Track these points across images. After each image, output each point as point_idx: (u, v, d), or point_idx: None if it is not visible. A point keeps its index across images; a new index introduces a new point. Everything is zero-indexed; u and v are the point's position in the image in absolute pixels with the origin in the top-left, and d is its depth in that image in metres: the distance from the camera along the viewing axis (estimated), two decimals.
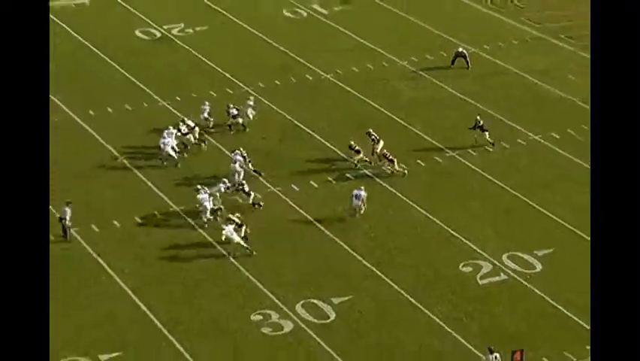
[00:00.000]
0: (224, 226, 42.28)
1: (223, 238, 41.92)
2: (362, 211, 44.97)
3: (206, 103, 51.98)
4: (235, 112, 51.60)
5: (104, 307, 39.90)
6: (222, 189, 45.09)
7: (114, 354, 37.42)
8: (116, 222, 44.17)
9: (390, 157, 47.42)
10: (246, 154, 47.20)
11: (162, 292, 40.61)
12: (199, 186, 44.86)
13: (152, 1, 68.56)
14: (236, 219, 42.93)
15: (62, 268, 41.14)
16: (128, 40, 63.04)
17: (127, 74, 58.17)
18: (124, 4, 67.80)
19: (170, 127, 49.54)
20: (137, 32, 64.11)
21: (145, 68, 58.90)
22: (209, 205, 44.35)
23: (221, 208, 44.80)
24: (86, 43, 62.32)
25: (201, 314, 39.50)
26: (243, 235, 42.55)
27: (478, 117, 50.32)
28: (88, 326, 38.91)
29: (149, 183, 47.63)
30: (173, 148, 48.61)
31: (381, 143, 48.85)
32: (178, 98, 55.41)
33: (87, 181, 47.01)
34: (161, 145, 48.73)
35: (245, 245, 42.33)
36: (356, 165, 48.29)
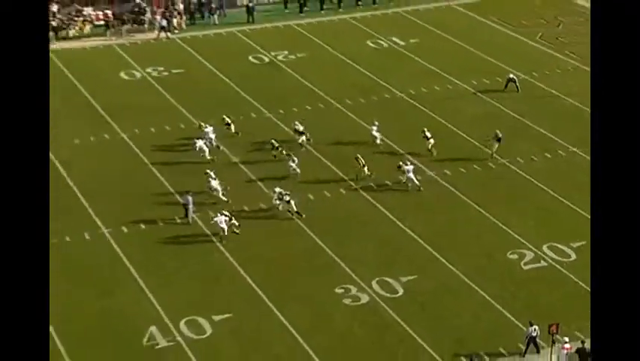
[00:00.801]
0: (219, 215, 42.84)
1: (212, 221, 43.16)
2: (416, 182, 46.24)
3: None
4: (301, 128, 51.21)
5: (213, 276, 40.43)
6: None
7: (225, 315, 37.83)
8: (225, 212, 43.99)
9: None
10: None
11: (267, 268, 40.90)
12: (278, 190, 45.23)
13: (264, 33, 68.55)
14: (229, 214, 43.16)
15: (183, 243, 42.46)
16: (243, 65, 63.07)
17: (241, 92, 58.28)
18: (241, 36, 67.99)
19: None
20: (250, 58, 64.19)
21: (255, 86, 58.79)
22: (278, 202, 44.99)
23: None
24: (208, 65, 62.78)
25: (298, 287, 39.79)
26: (229, 226, 42.82)
27: (498, 131, 49.81)
28: (201, 291, 39.39)
29: (253, 177, 48.14)
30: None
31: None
32: (281, 112, 55.48)
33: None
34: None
35: (226, 233, 42.70)
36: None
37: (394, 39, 67.23)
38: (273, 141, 50.35)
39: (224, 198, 45.82)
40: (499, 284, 39.66)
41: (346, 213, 45.39)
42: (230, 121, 52.45)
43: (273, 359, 35.82)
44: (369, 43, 66.85)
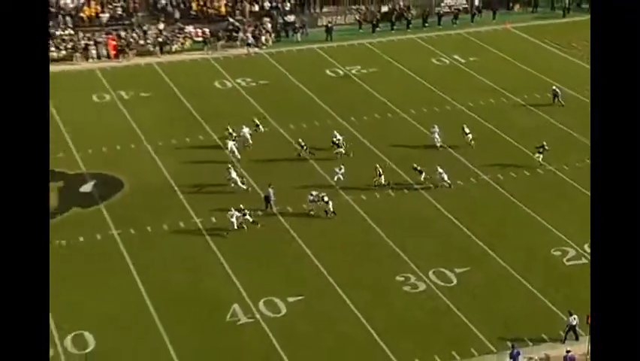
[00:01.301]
0: (232, 210, 42.88)
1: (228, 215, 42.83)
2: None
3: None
4: (339, 137, 50.77)
5: (289, 262, 40.53)
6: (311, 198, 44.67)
7: (299, 297, 37.85)
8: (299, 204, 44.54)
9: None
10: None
11: (336, 257, 40.94)
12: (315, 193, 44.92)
13: (340, 50, 68.70)
14: (245, 211, 42.96)
15: (264, 233, 42.49)
16: (321, 77, 63.09)
17: (318, 101, 58.27)
18: (320, 52, 68.09)
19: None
20: (327, 71, 64.20)
21: (331, 96, 58.75)
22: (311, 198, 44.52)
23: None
24: (290, 77, 62.94)
25: (363, 274, 39.75)
26: (240, 222, 42.73)
27: (545, 143, 49.12)
28: (278, 275, 39.51)
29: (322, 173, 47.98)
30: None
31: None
32: (352, 119, 55.33)
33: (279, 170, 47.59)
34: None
35: (235, 227, 42.63)
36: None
37: (456, 57, 66.78)
38: (300, 140, 50.83)
39: (243, 187, 46.26)
40: (543, 278, 39.18)
41: (408, 211, 45.11)
42: (258, 122, 53.04)
43: (339, 337, 35.74)
44: (433, 60, 66.51)
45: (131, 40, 67.47)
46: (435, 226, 43.74)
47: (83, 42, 66.48)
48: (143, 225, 43.35)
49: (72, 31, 67.79)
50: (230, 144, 50.26)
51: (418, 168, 47.28)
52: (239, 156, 49.94)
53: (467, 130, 51.78)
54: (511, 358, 33.65)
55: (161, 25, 69.34)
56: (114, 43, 66.53)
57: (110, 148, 51.10)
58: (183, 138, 52.32)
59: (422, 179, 47.00)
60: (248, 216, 43.04)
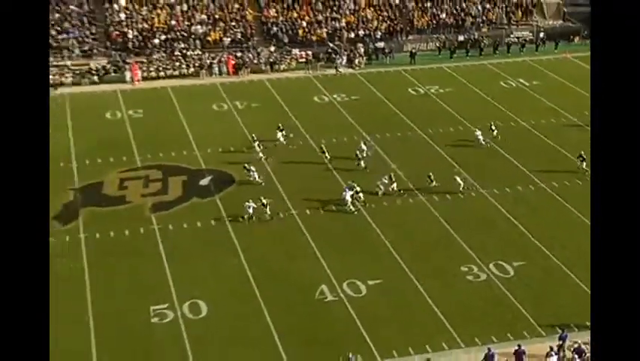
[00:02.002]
0: (250, 201, 42.92)
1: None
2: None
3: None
4: (364, 148, 50.06)
5: (371, 250, 40.15)
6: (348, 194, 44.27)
7: (378, 281, 37.52)
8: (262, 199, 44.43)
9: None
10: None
11: (410, 247, 40.52)
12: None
13: (422, 72, 68.01)
14: (265, 201, 43.04)
15: (349, 224, 41.77)
16: (404, 95, 62.54)
17: (401, 114, 57.75)
18: (404, 73, 67.59)
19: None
20: (409, 90, 63.62)
21: (412, 111, 58.22)
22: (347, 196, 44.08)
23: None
24: (378, 94, 62.48)
25: (433, 264, 39.28)
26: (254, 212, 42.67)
27: (582, 152, 47.81)
28: (360, 261, 39.19)
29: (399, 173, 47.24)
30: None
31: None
32: (430, 131, 54.65)
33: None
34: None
35: (252, 218, 42.69)
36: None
37: (521, 81, 65.53)
38: (322, 145, 50.60)
39: (260, 181, 46.35)
40: (588, 273, 37.95)
41: (474, 211, 44.31)
42: (282, 127, 53.10)
43: (411, 317, 35.33)
44: (501, 83, 65.36)
45: (247, 59, 67.93)
46: (496, 225, 42.85)
47: (208, 61, 67.20)
48: (249, 216, 43.55)
49: (200, 52, 68.59)
50: (255, 144, 50.58)
51: (431, 176, 46.42)
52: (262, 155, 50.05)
53: (494, 127, 53.18)
54: (560, 340, 32.88)
55: (272, 48, 69.74)
56: (233, 62, 67.07)
57: (225, 149, 51.41)
58: (287, 141, 52.48)
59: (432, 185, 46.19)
60: (267, 209, 43.01)
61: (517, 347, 32.35)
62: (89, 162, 49.71)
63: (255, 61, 68.04)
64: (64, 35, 68.23)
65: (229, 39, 70.52)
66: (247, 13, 73.17)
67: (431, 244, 41.10)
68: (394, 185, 45.56)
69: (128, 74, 64.73)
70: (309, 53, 69.73)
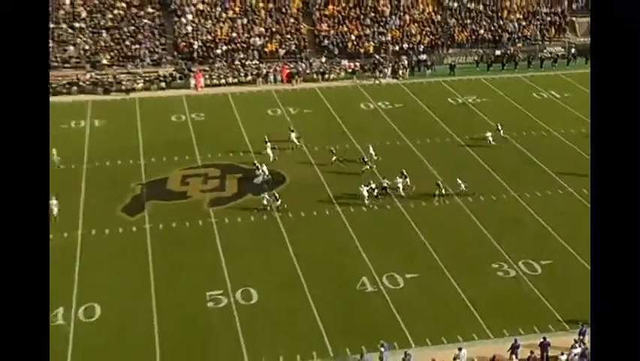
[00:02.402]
0: (266, 194, 44.18)
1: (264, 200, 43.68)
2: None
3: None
4: (372, 152, 49.67)
5: (409, 247, 39.67)
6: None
7: (415, 275, 37.25)
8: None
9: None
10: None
11: (445, 246, 40.19)
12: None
13: (460, 83, 67.51)
14: (277, 195, 43.72)
15: (389, 224, 40.87)
16: (444, 104, 62.07)
17: (440, 122, 57.30)
18: (444, 84, 67.11)
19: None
20: (449, 99, 63.16)
21: (451, 119, 57.71)
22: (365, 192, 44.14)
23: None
24: (420, 102, 62.11)
25: (465, 261, 38.90)
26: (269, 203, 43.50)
27: None
28: (400, 257, 38.81)
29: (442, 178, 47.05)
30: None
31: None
32: (467, 137, 54.21)
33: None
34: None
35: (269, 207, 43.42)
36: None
37: (553, 93, 64.63)
38: (331, 149, 50.48)
39: (268, 177, 46.88)
40: None
41: (504, 212, 43.84)
42: (292, 128, 53.33)
43: (444, 309, 35.09)
44: (534, 94, 64.46)
45: (300, 69, 68.01)
46: (526, 226, 42.28)
47: (264, 70, 67.44)
48: (298, 210, 43.59)
49: (257, 62, 68.87)
50: (268, 149, 50.46)
51: (440, 183, 45.62)
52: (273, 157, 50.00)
53: (500, 127, 53.58)
54: (580, 334, 32.35)
55: (323, 59, 69.75)
56: (287, 71, 67.21)
57: (279, 150, 51.40)
58: (334, 144, 52.32)
59: (437, 193, 44.97)
60: (279, 202, 43.37)
61: (542, 339, 31.93)
62: (155, 159, 50.19)
63: (307, 70, 68.09)
64: (137, 46, 69.05)
65: (284, 50, 70.69)
66: (301, 27, 73.28)
67: (465, 242, 40.70)
68: (407, 180, 45.36)
69: (192, 81, 65.24)
70: (357, 64, 69.58)
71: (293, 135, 52.47)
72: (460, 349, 31.42)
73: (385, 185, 45.09)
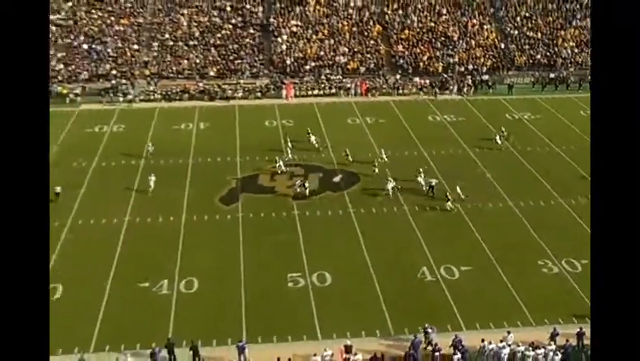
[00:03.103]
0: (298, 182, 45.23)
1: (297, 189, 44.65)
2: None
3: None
4: (383, 156, 49.21)
5: (464, 242, 38.96)
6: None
7: (468, 267, 36.66)
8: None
9: None
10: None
11: (496, 243, 39.17)
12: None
13: (517, 101, 65.94)
14: (307, 184, 44.85)
15: (447, 224, 40.47)
16: (501, 118, 60.61)
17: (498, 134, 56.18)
18: (503, 102, 65.67)
19: None
20: (506, 115, 61.66)
21: (508, 132, 56.06)
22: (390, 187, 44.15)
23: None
24: (480, 116, 60.99)
25: (514, 257, 37.87)
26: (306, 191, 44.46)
27: None
28: (456, 251, 38.21)
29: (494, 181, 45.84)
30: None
31: None
32: (519, 147, 52.84)
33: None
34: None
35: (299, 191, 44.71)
36: None
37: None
38: (346, 155, 49.99)
39: (284, 169, 47.94)
40: None
41: (551, 216, 42.61)
42: (311, 131, 53.33)
43: (493, 299, 34.39)
44: (581, 112, 62.13)
45: (377, 84, 67.71)
46: (570, 228, 40.99)
47: (347, 84, 67.41)
48: (370, 207, 43.40)
49: (341, 77, 68.89)
50: (288, 149, 50.74)
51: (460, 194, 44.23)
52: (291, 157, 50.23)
53: (504, 131, 54.00)
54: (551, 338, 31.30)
55: (398, 76, 69.24)
56: (366, 86, 67.00)
57: (355, 154, 51.09)
58: (403, 151, 51.91)
59: (450, 204, 43.13)
60: (305, 184, 44.64)
61: (578, 329, 31.08)
62: (249, 158, 50.76)
63: (384, 85, 67.73)
64: (239, 61, 70.01)
65: (364, 68, 70.47)
66: (380, 48, 72.94)
67: (514, 241, 39.69)
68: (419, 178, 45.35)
69: (284, 92, 65.72)
70: (427, 81, 68.79)
71: (313, 138, 52.27)
72: (508, 332, 30.86)
73: (433, 184, 44.51)
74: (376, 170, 47.73)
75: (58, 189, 43.41)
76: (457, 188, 44.44)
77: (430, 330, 31.07)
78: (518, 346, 30.55)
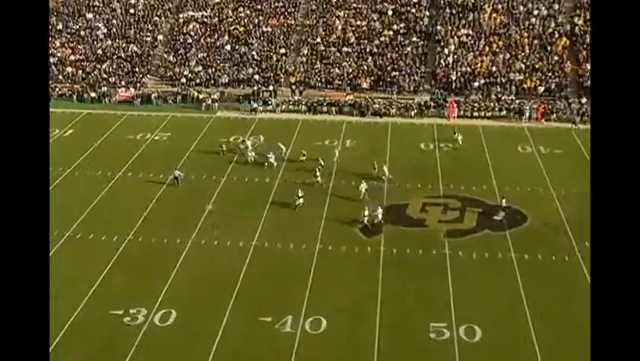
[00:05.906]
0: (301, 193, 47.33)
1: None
2: None
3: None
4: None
5: None
6: None
7: None
8: None
9: None
10: None
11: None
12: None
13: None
14: (302, 193, 47.45)
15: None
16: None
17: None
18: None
19: None
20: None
21: None
22: None
23: None
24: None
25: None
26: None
27: None
28: None
29: None
30: None
31: None
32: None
33: None
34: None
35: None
36: None
37: None
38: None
39: (274, 163, 53.28)
40: None
41: None
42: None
43: None
44: None
45: (557, 108, 65.57)
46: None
47: (521, 106, 65.78)
48: (535, 252, 41.82)
49: (514, 97, 67.47)
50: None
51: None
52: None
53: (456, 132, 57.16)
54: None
55: (584, 100, 66.43)
56: (543, 109, 65.08)
57: (523, 188, 49.86)
58: (582, 188, 49.67)
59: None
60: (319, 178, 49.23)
61: None
62: (398, 184, 50.69)
63: (565, 110, 65.44)
64: (397, 73, 70.37)
65: (543, 88, 68.55)
66: (566, 65, 70.65)
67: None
68: None
69: (445, 111, 65.24)
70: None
71: (385, 168, 51.60)
72: None
73: None
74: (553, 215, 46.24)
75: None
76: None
77: None
78: None
